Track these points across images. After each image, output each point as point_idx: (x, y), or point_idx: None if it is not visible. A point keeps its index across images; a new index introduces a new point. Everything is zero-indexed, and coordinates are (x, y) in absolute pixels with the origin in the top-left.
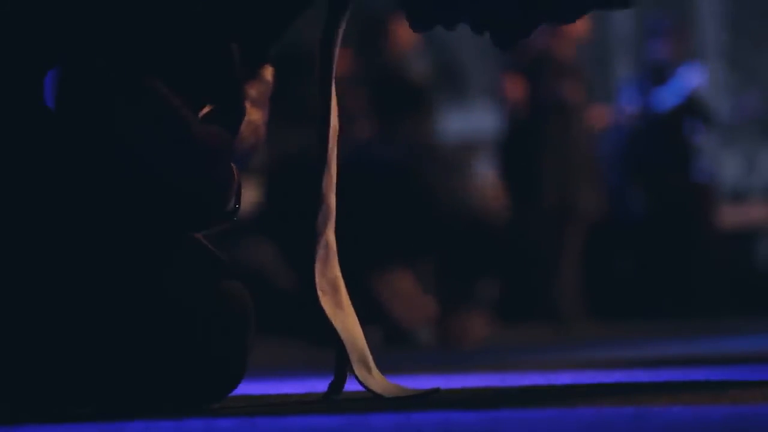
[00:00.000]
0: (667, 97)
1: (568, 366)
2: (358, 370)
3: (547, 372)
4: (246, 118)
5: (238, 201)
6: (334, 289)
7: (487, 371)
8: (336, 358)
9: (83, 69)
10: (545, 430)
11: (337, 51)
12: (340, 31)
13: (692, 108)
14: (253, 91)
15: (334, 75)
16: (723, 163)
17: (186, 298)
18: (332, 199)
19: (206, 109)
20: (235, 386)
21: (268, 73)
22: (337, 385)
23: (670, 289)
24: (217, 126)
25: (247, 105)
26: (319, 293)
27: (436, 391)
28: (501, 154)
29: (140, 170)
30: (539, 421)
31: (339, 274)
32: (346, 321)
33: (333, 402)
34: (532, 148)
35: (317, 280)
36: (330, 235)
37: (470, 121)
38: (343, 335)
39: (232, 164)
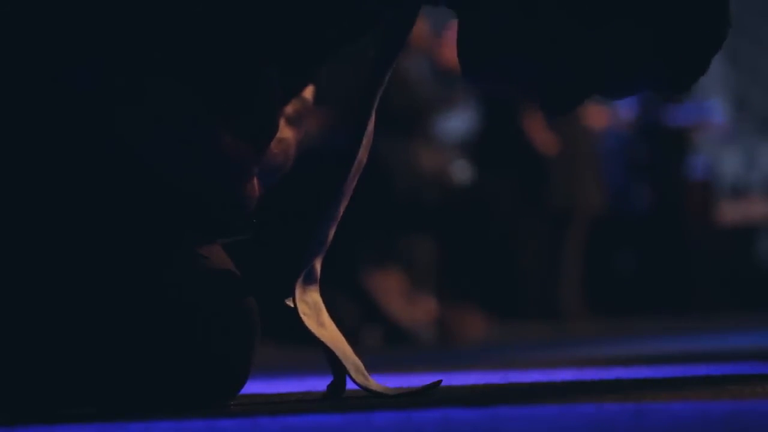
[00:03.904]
0: (680, 116)
1: (569, 363)
2: (356, 377)
3: (547, 369)
4: (278, 135)
5: (256, 216)
6: (316, 311)
7: (487, 369)
8: (330, 364)
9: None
10: (546, 427)
11: (380, 93)
12: (388, 74)
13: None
14: (289, 108)
15: (372, 119)
16: (723, 158)
17: (186, 297)
18: (332, 233)
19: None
20: (239, 387)
21: (308, 92)
22: (336, 387)
23: (671, 285)
24: (245, 140)
25: (281, 122)
26: (302, 315)
27: (439, 383)
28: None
29: (158, 174)
30: (540, 418)
31: (319, 299)
32: (333, 337)
33: (333, 401)
34: (535, 146)
35: (297, 303)
36: (317, 264)
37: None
38: (334, 349)
39: (256, 179)
